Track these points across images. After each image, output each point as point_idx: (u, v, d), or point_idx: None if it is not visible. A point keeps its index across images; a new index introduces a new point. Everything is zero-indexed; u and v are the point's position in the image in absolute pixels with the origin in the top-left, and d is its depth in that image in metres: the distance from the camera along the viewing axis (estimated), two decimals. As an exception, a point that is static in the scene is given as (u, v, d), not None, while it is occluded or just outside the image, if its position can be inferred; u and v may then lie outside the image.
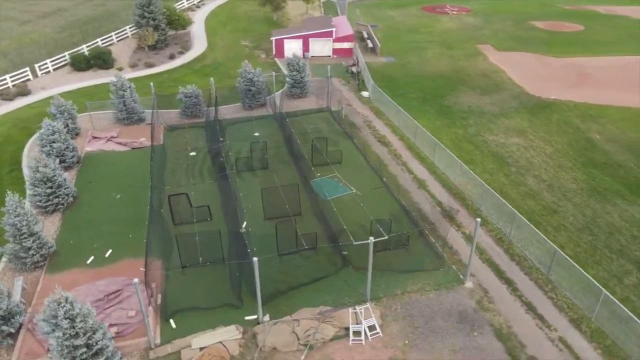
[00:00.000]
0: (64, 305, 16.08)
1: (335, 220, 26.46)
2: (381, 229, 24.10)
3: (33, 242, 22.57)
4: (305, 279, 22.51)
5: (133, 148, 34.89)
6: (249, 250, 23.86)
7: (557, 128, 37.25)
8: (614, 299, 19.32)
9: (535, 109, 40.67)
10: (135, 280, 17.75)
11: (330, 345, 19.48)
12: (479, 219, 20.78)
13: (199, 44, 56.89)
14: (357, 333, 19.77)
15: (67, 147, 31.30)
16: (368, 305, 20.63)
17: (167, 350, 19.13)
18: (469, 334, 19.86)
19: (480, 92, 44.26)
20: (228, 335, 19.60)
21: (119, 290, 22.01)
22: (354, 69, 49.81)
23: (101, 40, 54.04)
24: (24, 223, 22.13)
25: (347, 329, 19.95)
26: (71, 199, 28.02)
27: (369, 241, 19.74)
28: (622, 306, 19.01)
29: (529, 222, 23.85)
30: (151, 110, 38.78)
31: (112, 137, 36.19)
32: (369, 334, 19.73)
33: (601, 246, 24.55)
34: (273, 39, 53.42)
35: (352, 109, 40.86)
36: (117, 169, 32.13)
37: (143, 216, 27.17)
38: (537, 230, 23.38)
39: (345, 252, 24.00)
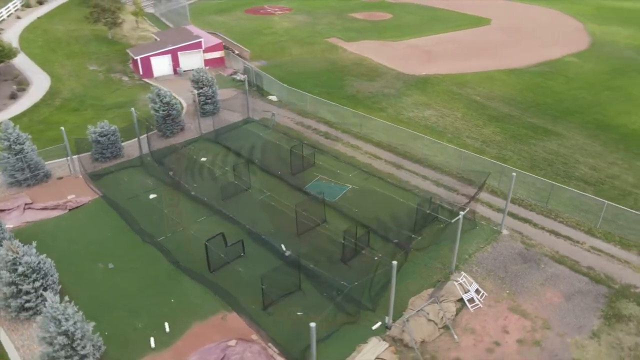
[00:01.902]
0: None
1: (365, 215, 27.13)
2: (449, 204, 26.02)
3: (90, 346, 17.28)
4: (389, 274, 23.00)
5: (70, 209, 28.13)
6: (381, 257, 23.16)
7: (448, 97, 44.35)
8: (616, 204, 25.85)
9: (419, 84, 47.27)
10: (312, 324, 15.91)
11: (459, 318, 20.86)
12: (514, 174, 24.67)
13: (37, 77, 46.96)
14: (470, 300, 21.59)
15: (2, 230, 23.56)
16: (464, 274, 22.56)
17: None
18: (539, 267, 23.72)
19: (367, 79, 48.84)
20: (378, 348, 19.10)
21: (222, 358, 18.80)
22: (239, 77, 48.78)
23: None
24: (78, 325, 16.79)
25: (460, 300, 21.59)
26: (59, 286, 21.65)
27: (459, 217, 21.65)
28: (621, 206, 25.62)
29: (521, 170, 29.03)
30: (59, 159, 31.66)
31: (26, 205, 28.34)
32: (478, 297, 21.78)
33: (554, 175, 31.44)
34: (138, 58, 47.84)
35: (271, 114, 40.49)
36: (70, 238, 25.72)
37: (161, 277, 23.10)
38: (533, 175, 28.90)
39: (397, 240, 25.27)
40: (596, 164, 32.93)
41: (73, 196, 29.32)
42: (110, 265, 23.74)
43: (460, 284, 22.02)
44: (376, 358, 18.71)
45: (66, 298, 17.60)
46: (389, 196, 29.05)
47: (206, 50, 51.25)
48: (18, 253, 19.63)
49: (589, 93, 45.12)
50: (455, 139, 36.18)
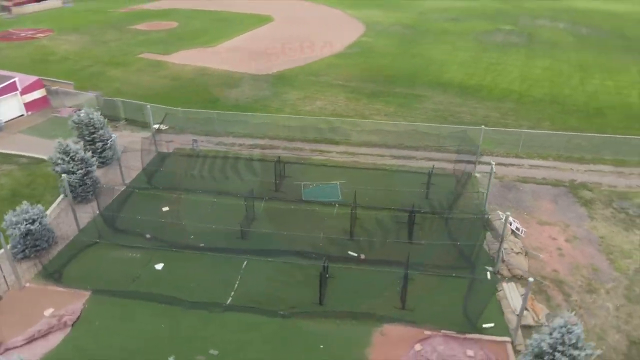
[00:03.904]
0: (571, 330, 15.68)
1: (379, 199, 28.78)
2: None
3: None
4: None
5: (72, 324, 20.41)
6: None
7: (318, 86, 47.40)
8: (531, 130, 34.89)
9: (282, 82, 48.72)
10: (531, 279, 17.91)
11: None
12: (483, 126, 30.48)
13: None
14: (516, 229, 26.65)
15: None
16: (499, 211, 27.36)
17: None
18: (519, 190, 30.49)
19: (231, 86, 47.38)
20: (513, 287, 22.29)
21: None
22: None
23: None
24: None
25: (512, 232, 26.43)
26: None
27: (492, 166, 26.21)
28: (538, 131, 34.78)
29: (456, 124, 35.27)
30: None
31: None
32: (518, 224, 27.05)
33: (456, 123, 39.04)
34: (-64, 119, 34.00)
35: (178, 143, 36.06)
36: (123, 353, 19.18)
37: (277, 334, 20.42)
38: (478, 127, 35.23)
39: (425, 210, 28.34)
40: (469, 111, 42.35)
41: (51, 310, 21.13)
42: (214, 352, 19.19)
43: (504, 221, 26.83)
44: (519, 296, 21.95)
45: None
46: (379, 178, 31.26)
47: (24, 92, 40.08)
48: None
49: (405, 62, 55.48)
50: (367, 118, 40.21)
